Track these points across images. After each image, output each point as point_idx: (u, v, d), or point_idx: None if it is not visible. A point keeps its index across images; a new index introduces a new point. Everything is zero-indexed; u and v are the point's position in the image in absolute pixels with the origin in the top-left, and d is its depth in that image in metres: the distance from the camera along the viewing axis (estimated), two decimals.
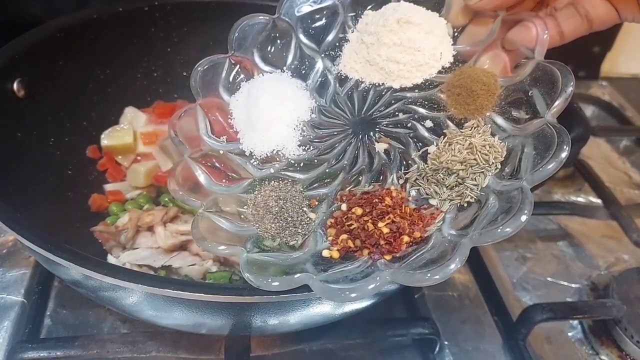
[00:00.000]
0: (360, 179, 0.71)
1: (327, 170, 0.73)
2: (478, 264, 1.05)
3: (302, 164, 0.73)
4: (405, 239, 0.62)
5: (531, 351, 0.91)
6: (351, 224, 0.64)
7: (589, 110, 1.60)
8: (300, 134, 0.74)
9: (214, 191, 0.70)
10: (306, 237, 0.66)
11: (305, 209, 0.68)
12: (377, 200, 0.65)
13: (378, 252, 0.61)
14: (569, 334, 0.99)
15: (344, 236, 0.64)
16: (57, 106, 0.99)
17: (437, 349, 0.89)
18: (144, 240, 0.93)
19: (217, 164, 0.73)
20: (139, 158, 1.08)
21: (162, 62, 1.16)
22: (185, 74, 1.17)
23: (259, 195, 0.69)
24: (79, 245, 0.66)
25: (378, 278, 0.57)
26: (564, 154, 0.58)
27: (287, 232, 0.66)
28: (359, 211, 0.65)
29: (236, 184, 0.72)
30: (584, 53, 1.63)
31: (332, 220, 0.67)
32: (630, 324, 0.94)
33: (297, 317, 0.71)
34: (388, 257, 0.61)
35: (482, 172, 0.64)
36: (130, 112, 1.11)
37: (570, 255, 1.14)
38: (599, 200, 1.24)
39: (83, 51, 1.03)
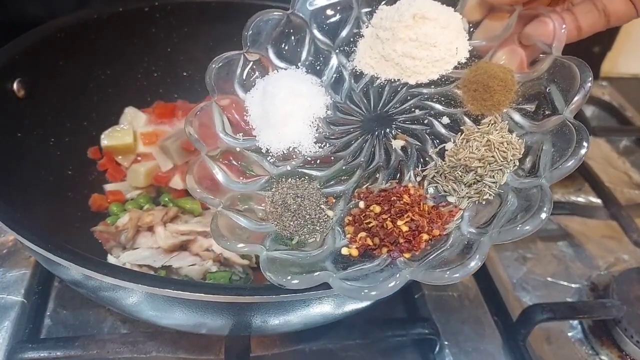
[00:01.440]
0: (377, 176, 0.71)
1: (343, 168, 0.72)
2: None
3: (318, 161, 0.73)
4: (425, 237, 0.61)
5: (531, 351, 0.90)
6: (369, 222, 0.63)
7: (589, 110, 1.61)
8: (316, 130, 0.73)
9: (232, 189, 0.69)
10: (324, 234, 0.66)
11: (323, 206, 0.68)
12: (395, 198, 0.65)
13: (397, 250, 0.61)
14: (569, 334, 0.99)
15: (363, 234, 0.63)
16: (57, 106, 0.99)
17: (437, 349, 0.89)
18: (144, 240, 0.93)
19: (234, 162, 0.72)
20: (139, 158, 1.08)
21: (162, 62, 1.15)
22: (185, 74, 1.17)
23: (277, 193, 0.68)
24: (79, 245, 0.66)
25: (398, 276, 0.57)
26: (583, 151, 0.58)
27: (305, 229, 0.66)
28: (377, 209, 0.64)
29: (253, 182, 0.71)
30: (584, 53, 1.58)
31: (350, 218, 0.66)
32: (630, 324, 0.94)
33: (297, 317, 0.71)
34: (407, 255, 0.61)
35: (500, 169, 0.63)
36: (130, 112, 1.11)
37: (570, 256, 1.14)
38: (599, 200, 1.24)
39: (83, 51, 1.03)
